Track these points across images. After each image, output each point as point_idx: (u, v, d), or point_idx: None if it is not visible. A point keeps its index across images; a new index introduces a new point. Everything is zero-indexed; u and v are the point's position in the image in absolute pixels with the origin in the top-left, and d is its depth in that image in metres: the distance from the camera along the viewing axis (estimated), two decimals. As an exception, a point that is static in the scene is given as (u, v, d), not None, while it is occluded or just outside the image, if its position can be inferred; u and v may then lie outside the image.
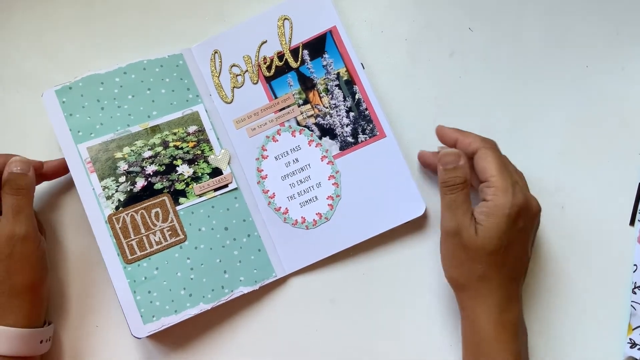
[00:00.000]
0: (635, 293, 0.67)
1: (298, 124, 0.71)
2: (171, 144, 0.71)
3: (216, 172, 0.71)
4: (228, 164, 0.71)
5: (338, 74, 0.72)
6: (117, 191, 0.69)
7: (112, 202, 0.69)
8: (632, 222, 0.69)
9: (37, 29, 0.75)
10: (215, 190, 0.70)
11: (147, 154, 0.70)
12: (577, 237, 0.69)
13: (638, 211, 0.69)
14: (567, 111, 0.71)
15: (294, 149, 0.71)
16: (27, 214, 0.64)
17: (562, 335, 0.68)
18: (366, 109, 0.71)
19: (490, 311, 0.60)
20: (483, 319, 0.60)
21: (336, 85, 0.71)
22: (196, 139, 0.71)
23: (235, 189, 0.71)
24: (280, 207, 0.71)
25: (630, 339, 0.66)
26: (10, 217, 0.63)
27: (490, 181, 0.60)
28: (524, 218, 0.60)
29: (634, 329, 0.66)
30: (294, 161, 0.71)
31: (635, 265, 0.68)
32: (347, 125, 0.71)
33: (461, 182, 0.61)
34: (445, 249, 0.63)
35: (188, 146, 0.71)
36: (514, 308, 0.61)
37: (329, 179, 0.71)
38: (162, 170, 0.70)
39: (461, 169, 0.62)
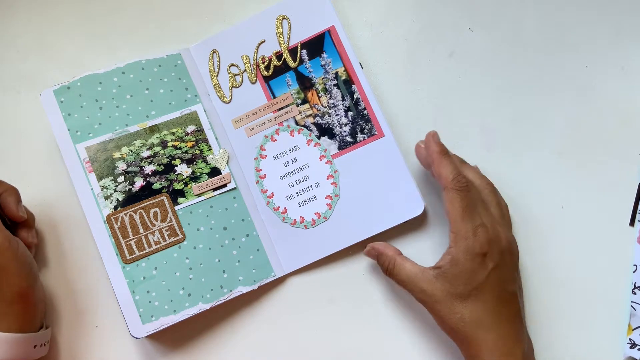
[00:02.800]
0: (635, 293, 0.67)
1: (297, 123, 0.71)
2: (170, 144, 0.71)
3: (215, 171, 0.71)
4: (227, 163, 0.71)
5: (336, 73, 0.71)
6: (115, 191, 0.69)
7: (111, 202, 0.69)
8: (632, 223, 0.69)
9: (36, 28, 0.75)
10: (214, 190, 0.70)
11: (146, 153, 0.70)
12: (577, 237, 0.69)
13: (638, 211, 0.68)
14: (567, 111, 0.71)
15: (292, 149, 0.71)
16: None
17: (561, 335, 0.67)
18: (364, 109, 0.71)
19: (492, 355, 0.59)
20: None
21: (335, 85, 0.71)
22: (195, 139, 0.71)
23: (234, 188, 0.71)
24: (279, 207, 0.71)
25: (630, 339, 0.66)
26: None
27: (452, 227, 0.61)
28: (492, 256, 0.60)
29: (633, 329, 0.66)
30: (292, 161, 0.71)
31: (635, 265, 0.68)
32: (345, 125, 0.71)
33: (388, 265, 0.65)
34: (430, 312, 0.63)
35: (186, 146, 0.71)
36: (518, 348, 0.60)
37: (327, 179, 0.71)
38: (160, 170, 0.70)
39: (383, 255, 0.66)
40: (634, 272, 0.67)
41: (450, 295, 0.60)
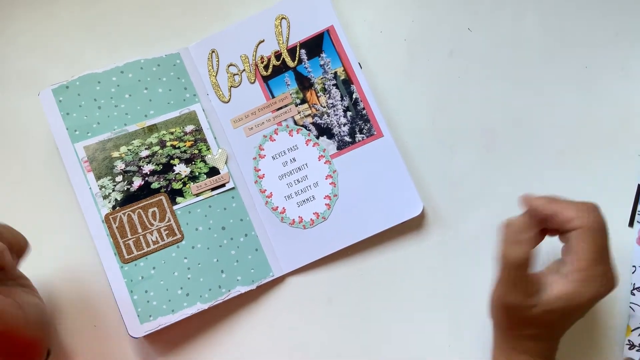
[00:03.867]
0: (634, 294, 0.67)
1: (295, 123, 0.71)
2: (168, 144, 0.70)
3: (213, 171, 0.71)
4: (225, 163, 0.71)
5: (335, 73, 0.71)
6: (114, 190, 0.69)
7: (109, 202, 0.69)
8: (631, 224, 0.68)
9: (36, 28, 0.75)
10: (213, 189, 0.70)
11: (144, 153, 0.70)
12: (576, 238, 0.69)
13: (637, 212, 0.68)
14: (567, 111, 0.71)
15: (291, 149, 0.71)
16: None
17: (560, 336, 0.67)
18: (363, 109, 0.71)
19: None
20: None
21: (333, 85, 0.71)
22: (193, 139, 0.71)
23: (233, 188, 0.71)
24: (277, 207, 0.71)
25: (629, 340, 0.66)
26: None
27: (580, 264, 0.54)
28: (584, 310, 0.57)
29: (632, 330, 0.66)
30: (291, 160, 0.71)
31: (634, 266, 0.67)
32: (344, 125, 0.71)
33: (521, 259, 0.55)
34: (497, 312, 0.59)
35: (185, 145, 0.71)
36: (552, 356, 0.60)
37: (326, 179, 0.71)
38: (159, 169, 0.70)
39: (525, 243, 0.56)
40: (633, 273, 0.67)
41: (535, 319, 0.56)
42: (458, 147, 0.71)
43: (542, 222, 0.58)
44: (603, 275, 0.55)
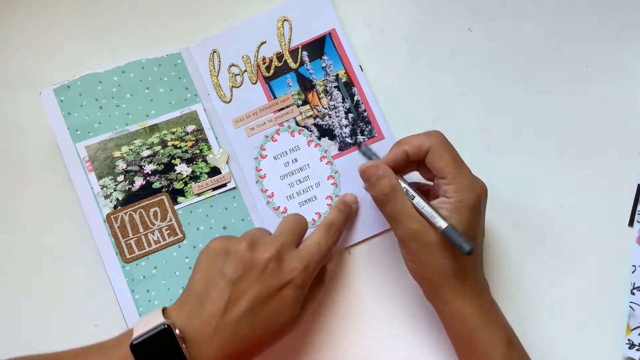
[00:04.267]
0: (634, 294, 0.67)
1: (297, 124, 0.71)
2: (169, 143, 0.70)
3: (214, 171, 0.71)
4: (226, 163, 0.71)
5: (337, 75, 0.72)
6: (115, 190, 0.69)
7: (111, 201, 0.69)
8: (631, 223, 0.69)
9: (37, 27, 0.75)
10: (214, 189, 0.70)
11: (146, 153, 0.70)
12: (576, 238, 0.69)
13: (637, 212, 0.69)
14: (567, 111, 0.71)
15: (293, 149, 0.71)
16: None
17: (561, 335, 0.67)
18: (365, 111, 0.71)
19: (470, 299, 0.60)
20: (466, 309, 0.60)
21: (335, 87, 0.71)
22: (194, 138, 0.71)
23: (234, 188, 0.71)
24: (279, 207, 0.71)
25: (628, 340, 0.66)
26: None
27: (449, 178, 0.59)
28: (484, 205, 0.61)
29: (632, 330, 0.66)
30: (293, 161, 0.71)
31: (634, 266, 0.68)
32: (345, 127, 0.71)
33: (389, 191, 0.61)
34: (407, 253, 0.62)
35: (186, 145, 0.71)
36: (486, 285, 0.62)
37: (328, 179, 0.71)
38: (160, 169, 0.70)
39: (385, 177, 0.61)
40: (633, 272, 0.68)
41: (443, 241, 0.59)
42: (458, 147, 0.71)
43: (404, 163, 0.63)
44: (471, 175, 0.61)
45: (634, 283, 0.67)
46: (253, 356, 0.59)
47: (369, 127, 0.71)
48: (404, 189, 0.61)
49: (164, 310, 0.58)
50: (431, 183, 0.64)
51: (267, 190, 0.71)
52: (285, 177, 0.71)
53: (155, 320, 0.56)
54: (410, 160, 0.62)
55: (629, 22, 0.72)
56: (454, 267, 0.59)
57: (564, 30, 0.73)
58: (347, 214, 0.68)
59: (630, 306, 0.67)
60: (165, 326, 0.55)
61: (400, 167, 0.63)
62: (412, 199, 0.60)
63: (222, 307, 0.56)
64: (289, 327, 0.60)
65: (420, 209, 0.59)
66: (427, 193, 0.65)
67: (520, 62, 0.72)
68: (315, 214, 0.70)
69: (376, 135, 0.71)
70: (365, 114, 0.71)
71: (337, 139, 0.71)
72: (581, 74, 0.72)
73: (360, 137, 0.71)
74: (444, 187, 0.60)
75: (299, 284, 0.58)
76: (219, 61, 0.72)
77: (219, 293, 0.57)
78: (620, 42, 0.72)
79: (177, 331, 0.55)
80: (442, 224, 0.57)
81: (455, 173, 0.59)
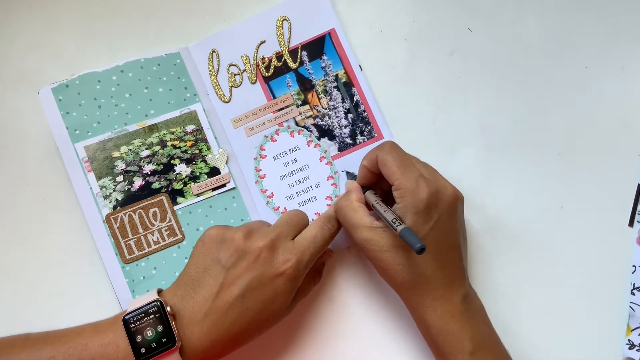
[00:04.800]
0: (634, 294, 0.67)
1: (297, 124, 0.71)
2: (169, 143, 0.70)
3: (214, 171, 0.70)
4: (226, 163, 0.71)
5: (337, 75, 0.72)
6: (114, 190, 0.69)
7: (110, 202, 0.68)
8: (631, 223, 0.69)
9: (36, 27, 0.75)
10: (213, 189, 0.70)
11: (145, 153, 0.70)
12: (576, 238, 0.69)
13: (637, 212, 0.69)
14: (567, 111, 0.71)
15: (292, 149, 0.71)
16: None
17: (561, 335, 0.67)
18: (364, 111, 0.71)
19: (433, 306, 0.60)
20: (431, 315, 0.60)
21: (335, 87, 0.71)
22: (194, 138, 0.71)
23: (233, 188, 0.71)
24: (278, 207, 0.71)
25: (628, 340, 0.66)
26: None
27: (395, 184, 0.61)
28: (437, 208, 0.60)
29: (632, 330, 0.67)
30: (292, 161, 0.71)
31: (634, 266, 0.68)
32: (345, 127, 0.71)
33: (340, 206, 0.64)
34: (371, 262, 0.63)
35: (186, 145, 0.70)
36: (456, 294, 0.61)
37: (327, 180, 0.71)
38: (159, 169, 0.70)
39: (343, 196, 0.65)
40: (633, 272, 0.68)
41: (394, 247, 0.60)
42: (458, 147, 0.71)
43: (373, 176, 0.65)
44: (419, 179, 0.60)
45: (634, 283, 0.67)
46: (240, 343, 0.61)
47: (369, 127, 0.71)
48: (372, 201, 0.63)
49: (159, 291, 0.60)
50: None
51: (266, 190, 0.71)
52: (284, 178, 0.71)
53: (148, 297, 0.58)
54: (374, 173, 0.64)
55: (629, 22, 0.72)
56: (410, 272, 0.60)
57: (564, 30, 0.73)
58: None
59: (630, 306, 0.67)
60: (158, 303, 0.57)
61: (370, 181, 0.66)
62: (377, 208, 0.61)
63: (215, 292, 0.58)
64: (279, 317, 0.62)
65: (382, 217, 0.60)
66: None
67: (520, 62, 0.72)
68: (315, 214, 0.70)
69: (376, 135, 0.71)
70: (364, 114, 0.71)
71: (337, 139, 0.71)
72: (581, 74, 0.72)
73: (360, 137, 0.71)
74: (394, 193, 0.61)
75: (291, 275, 0.59)
76: (218, 61, 0.72)
77: (212, 278, 0.59)
78: (620, 42, 0.72)
79: (168, 308, 0.57)
80: (399, 227, 0.57)
81: (400, 179, 0.60)
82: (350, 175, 0.70)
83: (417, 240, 0.54)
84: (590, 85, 0.71)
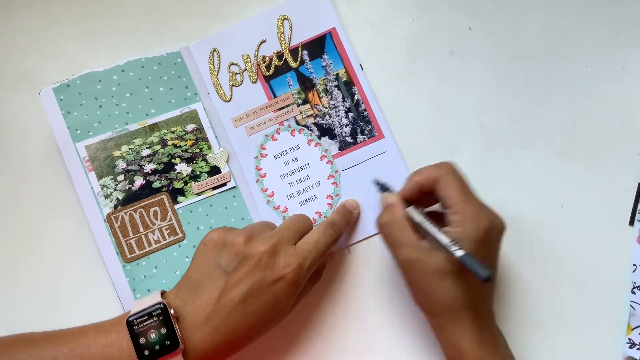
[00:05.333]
0: (634, 293, 0.67)
1: (297, 123, 0.71)
2: (169, 142, 0.70)
3: (214, 170, 0.71)
4: (226, 162, 0.71)
5: (337, 74, 0.72)
6: (115, 190, 0.69)
7: (111, 201, 0.69)
8: (631, 222, 0.69)
9: (37, 27, 0.75)
10: (214, 188, 0.70)
11: (146, 152, 0.70)
12: (576, 237, 0.69)
13: (638, 211, 0.69)
14: (567, 111, 0.71)
15: (293, 148, 0.71)
16: None
17: (561, 335, 0.68)
18: (365, 110, 0.71)
19: (470, 331, 0.59)
20: (463, 341, 0.59)
21: (335, 86, 0.71)
22: (194, 137, 0.71)
23: (234, 187, 0.71)
24: (279, 206, 0.71)
25: (629, 339, 0.66)
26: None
27: (455, 208, 0.60)
28: (491, 239, 0.60)
29: (633, 329, 0.67)
30: (293, 160, 0.71)
31: (634, 265, 0.68)
32: (346, 126, 0.71)
33: (386, 221, 0.62)
34: (408, 282, 0.62)
35: (186, 144, 0.71)
36: (488, 323, 0.61)
37: (328, 179, 0.71)
38: (160, 168, 0.70)
39: (387, 210, 0.63)
40: (634, 271, 0.68)
41: (443, 270, 0.58)
42: (458, 147, 0.71)
43: (419, 193, 0.63)
44: (480, 208, 0.60)
45: (635, 282, 0.67)
46: (243, 346, 0.61)
47: (369, 126, 0.71)
48: (419, 219, 0.61)
49: (162, 293, 0.60)
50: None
51: (267, 189, 0.71)
52: (285, 177, 0.71)
53: (152, 300, 0.58)
54: (424, 191, 0.63)
55: (629, 22, 0.72)
56: (456, 298, 0.59)
57: (564, 30, 0.72)
58: (348, 218, 0.68)
59: (630, 305, 0.67)
60: (162, 305, 0.57)
61: (415, 197, 0.64)
62: (426, 227, 0.60)
63: (216, 297, 0.58)
64: (280, 318, 0.62)
65: (435, 237, 0.59)
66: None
67: (521, 62, 0.72)
68: (316, 213, 0.70)
69: (376, 134, 0.71)
70: (365, 113, 0.71)
71: (337, 138, 0.71)
72: (581, 74, 0.72)
73: (360, 137, 0.71)
74: (450, 217, 0.60)
75: (292, 280, 0.59)
76: (219, 60, 0.72)
77: (213, 283, 0.59)
78: (620, 42, 0.72)
79: (171, 311, 0.57)
80: (459, 252, 0.56)
81: (461, 204, 0.59)
82: (382, 186, 0.68)
83: (483, 268, 0.54)
84: (590, 85, 0.71)
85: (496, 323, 0.63)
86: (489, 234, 0.59)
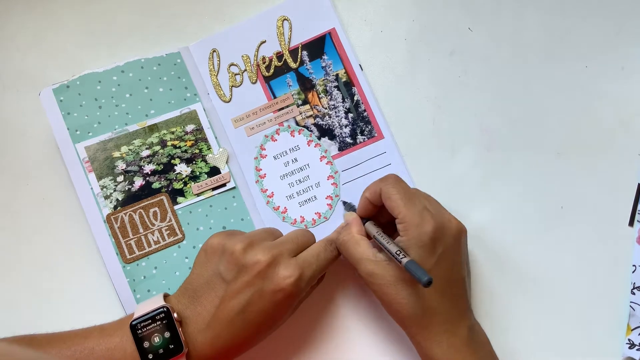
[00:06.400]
0: (634, 294, 0.67)
1: (297, 124, 0.71)
2: (169, 143, 0.70)
3: (214, 171, 0.71)
4: (226, 163, 0.71)
5: (337, 75, 0.72)
6: (115, 190, 0.69)
7: (111, 202, 0.69)
8: (631, 223, 0.69)
9: (37, 27, 0.75)
10: (213, 189, 0.70)
11: (145, 153, 0.70)
12: (576, 237, 0.69)
13: (638, 211, 0.69)
14: (567, 111, 0.71)
15: (293, 149, 0.71)
16: None
17: (561, 335, 0.67)
18: (364, 111, 0.71)
19: (439, 340, 0.60)
20: (436, 350, 0.60)
21: (335, 87, 0.71)
22: (194, 138, 0.71)
23: (233, 188, 0.71)
24: (279, 206, 0.71)
25: (629, 340, 0.66)
26: None
27: (399, 217, 0.60)
28: (441, 241, 0.60)
29: (632, 330, 0.66)
30: (293, 161, 0.71)
31: (634, 265, 0.68)
32: (345, 126, 0.71)
33: (344, 240, 0.63)
34: (375, 294, 0.63)
35: (186, 145, 0.71)
36: (462, 327, 0.61)
37: (328, 179, 0.71)
38: (160, 169, 0.70)
39: (346, 229, 0.64)
40: (633, 272, 0.68)
41: (399, 280, 0.59)
42: (458, 147, 0.71)
43: (375, 208, 0.65)
44: (423, 212, 0.60)
45: (634, 283, 0.67)
46: (244, 350, 0.61)
47: (369, 127, 0.71)
48: (373, 232, 0.63)
49: (165, 296, 0.61)
50: None
51: (267, 190, 0.71)
52: (285, 177, 0.71)
53: (156, 303, 0.59)
54: (376, 205, 0.64)
55: (629, 22, 0.72)
56: (415, 306, 0.59)
57: (564, 30, 0.72)
58: None
59: (630, 306, 0.67)
60: (165, 309, 0.58)
61: (370, 213, 0.66)
62: (379, 240, 0.61)
63: (216, 305, 0.59)
64: (280, 325, 0.62)
65: (385, 249, 0.60)
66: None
67: (520, 62, 0.72)
68: (315, 213, 0.70)
69: (376, 135, 0.71)
70: (365, 113, 0.71)
71: (337, 138, 0.71)
72: (581, 74, 0.72)
73: (360, 137, 0.71)
74: (398, 226, 0.61)
75: (292, 292, 0.59)
76: (219, 60, 0.72)
77: (213, 291, 0.60)
78: (620, 42, 0.72)
79: (175, 315, 0.58)
80: (404, 260, 0.57)
81: (404, 212, 0.60)
82: (348, 206, 0.69)
83: (424, 273, 0.54)
84: (590, 85, 0.71)
85: (476, 321, 0.63)
86: (436, 237, 0.59)
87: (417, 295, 0.59)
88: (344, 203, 0.70)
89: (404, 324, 0.62)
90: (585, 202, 0.70)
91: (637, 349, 0.66)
